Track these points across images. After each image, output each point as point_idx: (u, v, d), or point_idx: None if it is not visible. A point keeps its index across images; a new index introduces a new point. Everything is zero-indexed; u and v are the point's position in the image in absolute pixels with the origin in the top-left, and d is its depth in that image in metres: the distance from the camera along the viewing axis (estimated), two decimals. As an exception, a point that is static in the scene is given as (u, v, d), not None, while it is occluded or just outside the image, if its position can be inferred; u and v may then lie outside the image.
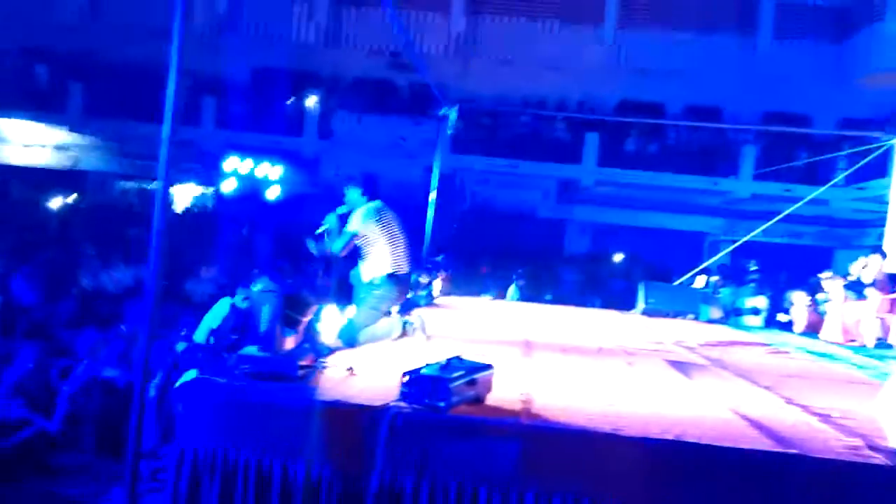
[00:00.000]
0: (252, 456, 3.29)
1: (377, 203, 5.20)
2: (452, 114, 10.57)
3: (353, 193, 5.25)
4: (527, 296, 12.51)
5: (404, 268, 5.23)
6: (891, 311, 8.66)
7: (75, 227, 14.06)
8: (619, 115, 16.88)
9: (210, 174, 17.97)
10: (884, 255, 9.25)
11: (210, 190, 19.17)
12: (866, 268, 9.15)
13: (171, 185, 3.42)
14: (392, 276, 5.11)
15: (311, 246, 5.20)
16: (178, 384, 3.53)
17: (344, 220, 5.17)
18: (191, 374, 4.20)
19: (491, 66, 17.75)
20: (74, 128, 17.87)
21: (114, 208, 18.32)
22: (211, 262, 11.05)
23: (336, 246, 5.14)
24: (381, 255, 5.10)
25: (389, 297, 5.15)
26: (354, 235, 5.08)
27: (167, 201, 3.40)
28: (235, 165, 15.86)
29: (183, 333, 6.53)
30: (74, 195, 18.89)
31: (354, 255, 5.35)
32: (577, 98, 18.34)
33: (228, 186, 15.98)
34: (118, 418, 4.94)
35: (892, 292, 8.78)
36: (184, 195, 19.72)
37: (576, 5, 17.01)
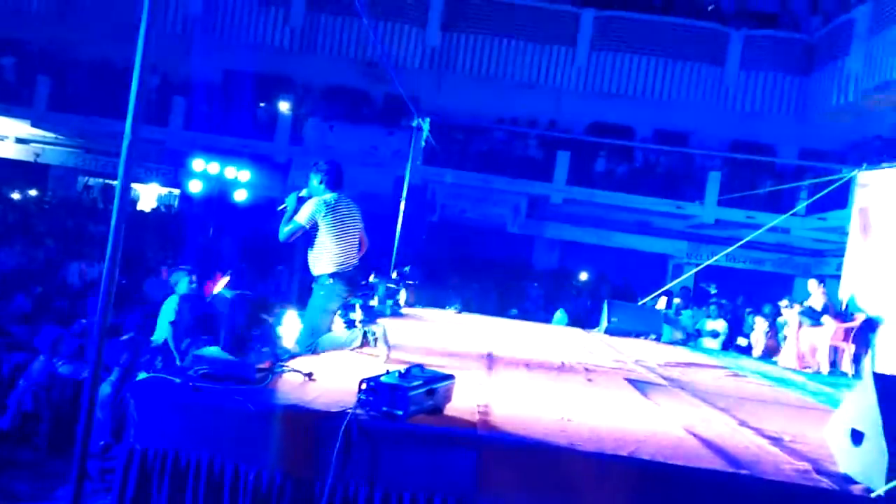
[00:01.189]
0: (203, 458, 3.23)
1: (332, 196, 5.01)
2: (425, 126, 10.59)
3: (313, 180, 5.09)
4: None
5: (350, 265, 5.06)
6: (845, 339, 8.85)
7: (36, 222, 13.75)
8: (589, 135, 17.10)
9: (177, 174, 17.76)
10: (821, 281, 9.49)
11: (177, 190, 18.94)
12: (810, 298, 9.38)
13: (136, 183, 3.37)
14: (336, 275, 4.97)
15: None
16: (131, 382, 3.46)
17: (302, 203, 5.03)
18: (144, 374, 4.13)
19: (465, 82, 17.88)
20: (38, 121, 17.53)
21: (76, 204, 17.99)
22: (173, 262, 10.90)
23: (282, 233, 4.99)
24: (327, 250, 4.96)
25: (335, 295, 5.02)
26: (301, 228, 4.93)
27: (127, 198, 3.34)
28: (203, 167, 15.69)
29: (128, 337, 6.43)
30: (35, 189, 18.50)
31: (298, 242, 5.17)
32: (549, 117, 18.55)
33: (195, 187, 15.79)
34: (73, 415, 4.83)
35: (847, 320, 8.98)
36: (149, 194, 19.44)
37: (550, 26, 17.24)
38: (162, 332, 6.33)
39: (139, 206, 18.24)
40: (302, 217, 4.93)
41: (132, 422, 3.24)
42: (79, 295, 8.62)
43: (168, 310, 6.40)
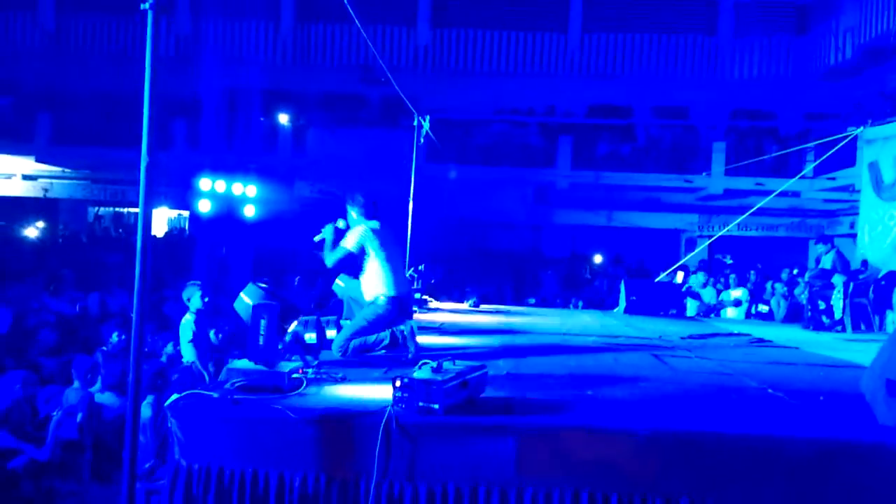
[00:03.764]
0: (247, 469, 3.27)
1: (375, 223, 5.29)
2: (425, 124, 10.61)
3: (351, 213, 5.35)
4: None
5: (404, 289, 5.34)
6: (863, 296, 8.83)
7: (51, 255, 13.87)
8: (589, 118, 17.11)
9: (184, 196, 17.85)
10: (827, 242, 9.58)
11: (186, 212, 19.03)
12: (825, 255, 9.42)
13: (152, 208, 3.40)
14: (394, 299, 5.19)
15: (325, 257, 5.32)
16: (169, 402, 3.51)
17: (340, 234, 5.28)
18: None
19: (460, 76, 17.89)
20: (42, 156, 17.69)
21: (89, 234, 18.13)
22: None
23: (329, 259, 5.26)
24: (380, 274, 5.19)
25: (389, 317, 5.21)
26: (350, 253, 5.18)
27: (150, 221, 3.38)
28: (210, 185, 15.75)
29: (166, 355, 6.51)
30: (45, 223, 18.66)
31: (339, 267, 5.45)
32: (547, 103, 18.53)
33: (204, 207, 15.86)
34: (113, 442, 4.89)
35: (862, 277, 8.97)
36: (159, 218, 19.55)
37: (540, 14, 17.24)
38: (187, 352, 6.35)
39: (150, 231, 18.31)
40: (350, 243, 5.18)
41: (176, 440, 3.29)
42: (99, 323, 8.69)
43: (186, 329, 6.41)
